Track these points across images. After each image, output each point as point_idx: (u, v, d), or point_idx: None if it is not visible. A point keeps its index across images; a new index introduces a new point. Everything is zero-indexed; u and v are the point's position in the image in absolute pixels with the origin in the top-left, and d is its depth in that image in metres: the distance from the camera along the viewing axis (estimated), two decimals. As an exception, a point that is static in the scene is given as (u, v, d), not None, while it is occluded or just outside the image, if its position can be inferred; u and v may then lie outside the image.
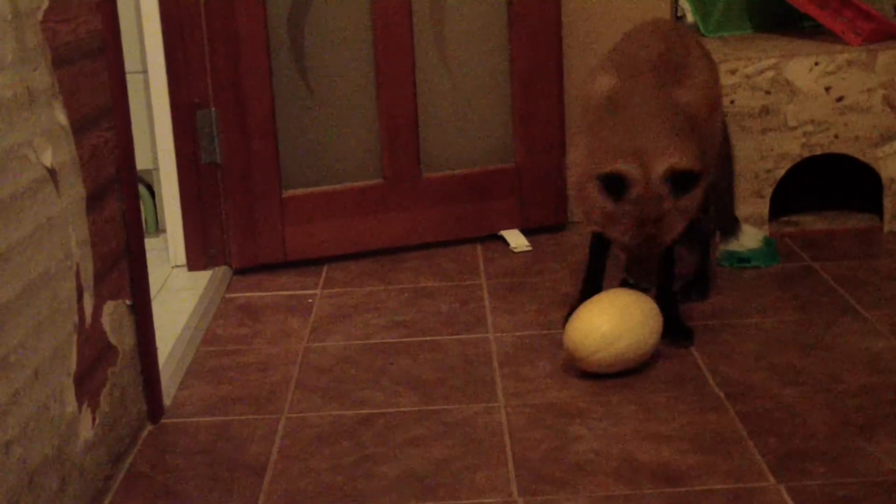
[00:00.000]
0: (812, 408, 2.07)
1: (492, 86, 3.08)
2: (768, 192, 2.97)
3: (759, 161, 2.95)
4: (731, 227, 2.76)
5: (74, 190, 1.80)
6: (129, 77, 2.12)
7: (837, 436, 1.96)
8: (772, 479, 1.83)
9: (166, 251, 3.02)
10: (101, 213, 1.92)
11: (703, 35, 3.31)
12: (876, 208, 3.03)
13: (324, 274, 2.91)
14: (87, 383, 1.82)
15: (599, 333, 2.17)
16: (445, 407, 2.15)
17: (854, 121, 2.94)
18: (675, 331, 2.36)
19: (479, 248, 3.06)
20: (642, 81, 2.29)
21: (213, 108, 2.85)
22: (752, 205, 2.97)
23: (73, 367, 1.76)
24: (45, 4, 1.70)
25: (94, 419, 1.84)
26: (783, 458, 1.90)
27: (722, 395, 2.14)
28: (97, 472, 1.86)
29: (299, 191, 2.95)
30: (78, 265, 1.80)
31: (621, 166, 2.12)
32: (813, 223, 3.06)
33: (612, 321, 2.19)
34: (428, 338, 2.48)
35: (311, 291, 2.80)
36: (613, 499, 1.81)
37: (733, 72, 2.91)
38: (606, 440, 1.99)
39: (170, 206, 2.96)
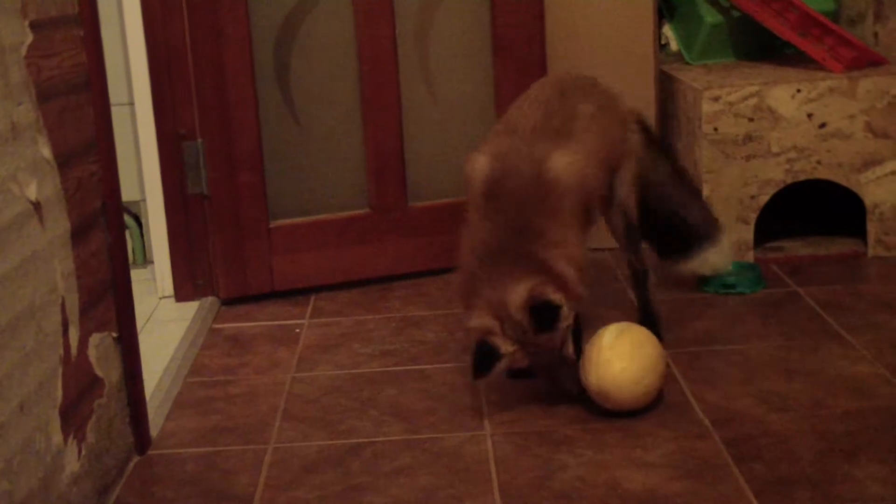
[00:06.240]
0: (797, 433, 2.08)
1: (477, 114, 3.09)
2: (753, 218, 2.98)
3: (744, 187, 2.97)
4: (712, 231, 2.66)
5: (59, 223, 1.81)
6: (115, 109, 2.13)
7: (822, 461, 1.97)
8: (757, 505, 1.84)
9: (154, 282, 3.03)
10: (87, 246, 1.93)
11: (687, 63, 3.34)
12: (860, 233, 3.05)
13: (311, 304, 2.92)
14: (73, 415, 1.82)
15: (636, 389, 2.17)
16: (432, 436, 2.15)
17: (837, 147, 2.96)
18: None
19: (466, 276, 3.06)
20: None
21: (199, 140, 2.86)
22: (736, 231, 2.98)
23: (59, 399, 1.77)
24: (29, 40, 1.72)
25: (80, 451, 1.84)
26: (769, 484, 1.90)
27: (707, 421, 2.15)
28: (83, 504, 1.86)
29: (286, 221, 2.96)
30: (63, 298, 1.80)
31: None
32: (797, 249, 3.08)
33: (646, 373, 2.18)
34: (415, 367, 2.48)
35: (298, 321, 2.80)
36: (599, 526, 1.81)
37: (716, 99, 2.93)
38: (592, 468, 1.99)
39: (157, 237, 2.97)
